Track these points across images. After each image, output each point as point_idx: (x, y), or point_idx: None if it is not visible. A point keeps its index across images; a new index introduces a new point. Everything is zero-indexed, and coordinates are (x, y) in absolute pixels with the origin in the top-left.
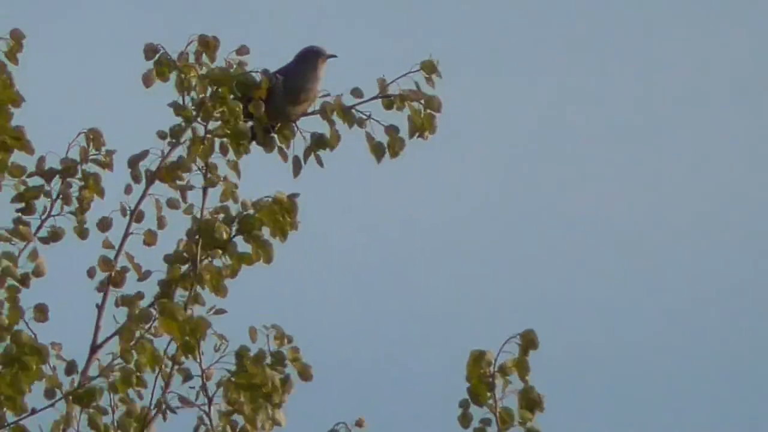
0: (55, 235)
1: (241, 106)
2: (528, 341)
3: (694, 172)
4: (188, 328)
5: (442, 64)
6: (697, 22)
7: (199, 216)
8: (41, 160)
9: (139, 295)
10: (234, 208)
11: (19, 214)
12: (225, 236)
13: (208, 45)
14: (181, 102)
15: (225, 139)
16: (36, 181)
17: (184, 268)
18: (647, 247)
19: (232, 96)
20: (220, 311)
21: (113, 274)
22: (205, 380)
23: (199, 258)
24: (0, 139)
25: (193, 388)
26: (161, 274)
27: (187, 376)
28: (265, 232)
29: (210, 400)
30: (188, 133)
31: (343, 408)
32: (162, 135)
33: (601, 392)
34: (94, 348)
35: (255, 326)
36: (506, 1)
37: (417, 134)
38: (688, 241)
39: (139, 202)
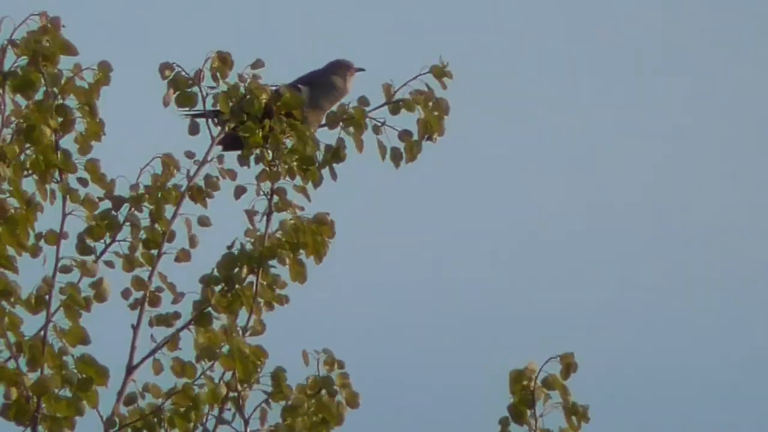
0: (129, 264)
1: (312, 130)
2: (567, 364)
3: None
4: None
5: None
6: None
7: (261, 240)
8: (111, 184)
9: (175, 315)
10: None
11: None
12: (288, 261)
13: (225, 61)
14: (201, 120)
15: (293, 164)
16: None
17: (218, 288)
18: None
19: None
20: (256, 331)
21: (148, 294)
22: (241, 402)
23: (258, 281)
24: (78, 174)
25: (229, 409)
26: (196, 294)
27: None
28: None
29: (246, 422)
30: (214, 152)
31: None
32: (189, 154)
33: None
34: (130, 368)
35: (307, 350)
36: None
37: (426, 137)
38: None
39: (171, 221)
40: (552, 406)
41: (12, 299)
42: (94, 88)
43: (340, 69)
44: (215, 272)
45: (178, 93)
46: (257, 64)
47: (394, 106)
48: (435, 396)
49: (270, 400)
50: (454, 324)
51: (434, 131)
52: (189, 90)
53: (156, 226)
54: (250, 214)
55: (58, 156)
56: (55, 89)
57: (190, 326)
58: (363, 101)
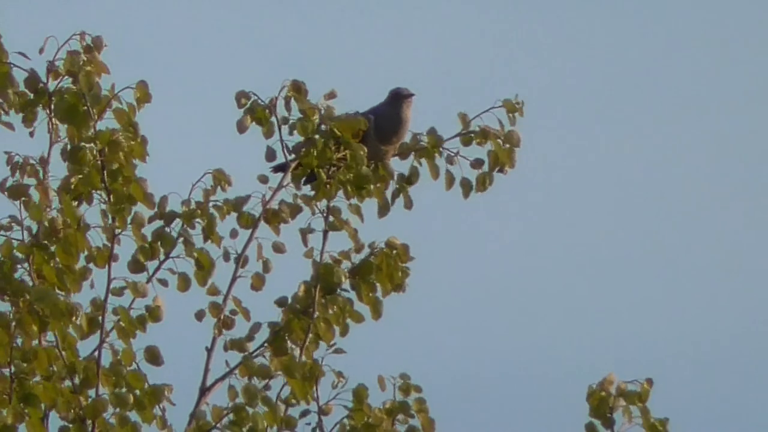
0: (182, 284)
1: (365, 149)
2: (645, 391)
3: None
4: (305, 372)
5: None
6: None
7: (318, 260)
8: (163, 201)
9: (249, 338)
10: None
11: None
12: (344, 279)
13: (299, 89)
14: (278, 147)
15: (348, 183)
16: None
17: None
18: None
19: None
20: (339, 351)
21: (222, 317)
22: (321, 417)
23: (317, 302)
24: (126, 192)
25: (309, 424)
26: (271, 317)
27: (304, 412)
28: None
29: None
30: (288, 177)
31: None
32: (263, 179)
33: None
34: (204, 390)
35: (383, 375)
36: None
37: (497, 169)
38: None
39: (245, 246)
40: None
41: (74, 318)
42: (133, 108)
43: (396, 98)
44: (293, 297)
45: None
46: (331, 94)
47: (467, 137)
48: (513, 421)
49: (350, 417)
50: (531, 349)
51: (505, 163)
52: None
53: (209, 242)
54: (305, 232)
55: (104, 177)
56: (94, 110)
57: (265, 353)
58: (433, 131)
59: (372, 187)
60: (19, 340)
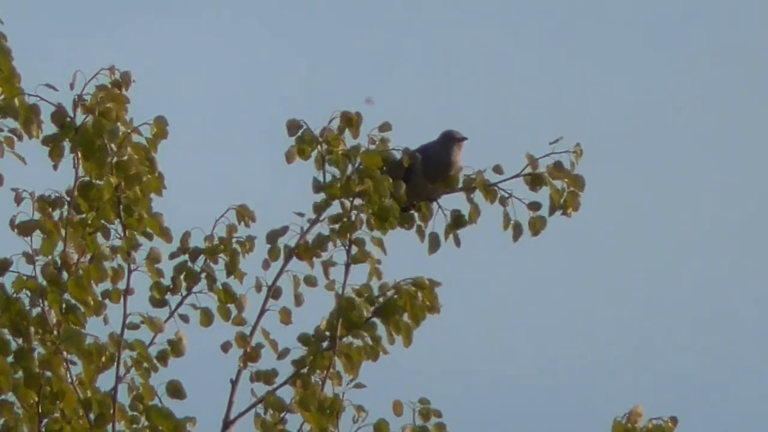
0: (205, 319)
1: (390, 181)
2: (669, 430)
3: None
4: (325, 407)
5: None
6: None
7: (341, 292)
8: (185, 236)
9: (274, 372)
10: (375, 286)
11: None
12: (366, 315)
13: (350, 121)
14: (321, 178)
15: (371, 216)
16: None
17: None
18: None
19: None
20: (359, 385)
21: (248, 349)
22: None
23: (338, 336)
24: (141, 229)
25: None
26: (299, 350)
27: None
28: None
29: None
30: (327, 211)
31: None
32: (300, 213)
33: None
34: (227, 423)
35: (400, 400)
36: None
37: (560, 212)
38: None
39: (276, 278)
40: None
41: (95, 358)
42: (152, 143)
43: (447, 139)
44: (316, 330)
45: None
46: (385, 126)
47: (532, 178)
48: None
49: None
50: (556, 376)
51: (569, 206)
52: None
53: (232, 277)
54: (327, 265)
55: (121, 212)
56: (112, 146)
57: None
58: (498, 169)
59: (412, 227)
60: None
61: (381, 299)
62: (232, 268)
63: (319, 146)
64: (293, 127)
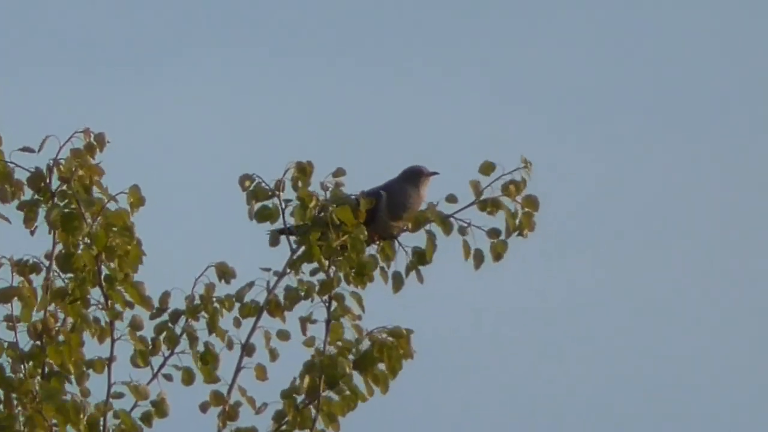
0: (188, 378)
1: (366, 234)
2: None
3: None
4: None
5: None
6: None
7: (322, 349)
8: (165, 296)
9: (254, 429)
10: (350, 335)
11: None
12: (348, 372)
13: (304, 171)
14: (280, 227)
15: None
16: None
17: (299, 399)
18: None
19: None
20: None
21: (227, 408)
22: None
23: (321, 391)
24: (122, 299)
25: None
26: (277, 404)
27: None
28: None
29: None
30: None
31: None
32: (266, 269)
33: None
34: None
35: None
36: None
37: (517, 233)
38: None
39: (249, 336)
40: None
41: (81, 416)
42: (127, 212)
43: (414, 175)
44: (293, 386)
45: (258, 206)
46: (338, 172)
47: (483, 204)
48: None
49: None
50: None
51: (524, 227)
52: (268, 202)
53: (213, 335)
54: (305, 321)
55: (102, 282)
56: (88, 215)
57: None
58: (451, 199)
59: (376, 269)
60: None
61: (355, 350)
62: (212, 327)
63: (276, 197)
64: (245, 181)
